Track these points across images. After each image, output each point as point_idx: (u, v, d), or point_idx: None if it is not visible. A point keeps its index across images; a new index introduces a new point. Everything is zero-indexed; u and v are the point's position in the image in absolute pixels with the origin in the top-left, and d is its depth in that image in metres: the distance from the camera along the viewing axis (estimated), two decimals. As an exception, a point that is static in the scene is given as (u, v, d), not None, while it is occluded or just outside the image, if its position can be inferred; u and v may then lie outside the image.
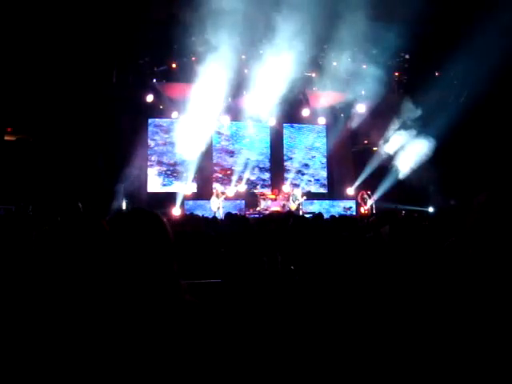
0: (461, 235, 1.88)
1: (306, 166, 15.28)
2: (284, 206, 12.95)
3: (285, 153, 15.17)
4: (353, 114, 14.10)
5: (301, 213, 12.31)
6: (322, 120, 14.52)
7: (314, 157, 15.41)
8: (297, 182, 14.79)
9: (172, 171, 14.16)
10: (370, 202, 13.53)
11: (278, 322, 2.36)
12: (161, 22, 11.44)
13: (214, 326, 1.32)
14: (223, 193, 12.60)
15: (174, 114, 13.29)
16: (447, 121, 11.35)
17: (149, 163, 13.97)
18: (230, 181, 14.34)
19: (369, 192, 13.62)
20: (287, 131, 15.28)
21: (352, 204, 13.94)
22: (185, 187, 13.37)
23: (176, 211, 12.00)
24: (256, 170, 14.76)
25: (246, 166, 14.45)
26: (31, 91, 10.83)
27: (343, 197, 14.50)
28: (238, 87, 12.69)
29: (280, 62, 11.44)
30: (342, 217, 4.80)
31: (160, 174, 14.14)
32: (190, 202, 12.94)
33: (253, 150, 14.69)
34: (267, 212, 11.08)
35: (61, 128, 11.44)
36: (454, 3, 10.94)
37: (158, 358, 1.23)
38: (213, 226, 5.07)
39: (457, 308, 1.45)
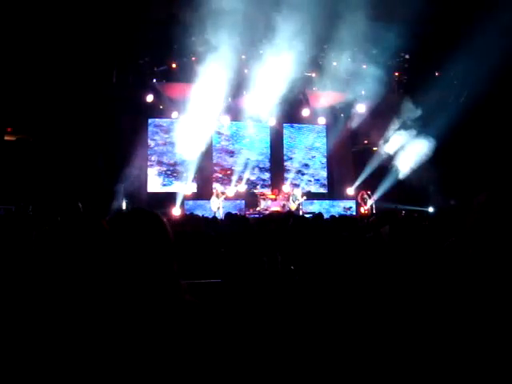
0: (461, 235, 1.88)
1: (306, 166, 15.28)
2: (284, 206, 12.95)
3: (285, 153, 15.16)
4: (353, 114, 14.10)
5: (301, 213, 12.31)
6: (321, 120, 14.52)
7: (313, 157, 15.41)
8: (297, 182, 14.79)
9: (172, 171, 14.16)
10: (370, 202, 13.53)
11: (278, 321, 2.36)
12: (161, 22, 11.43)
13: (214, 326, 1.32)
14: (223, 193, 12.59)
15: (174, 114, 13.29)
16: (447, 121, 11.35)
17: (149, 163, 13.97)
18: (230, 181, 14.34)
19: (369, 192, 13.62)
20: (287, 131, 15.28)
21: (352, 204, 13.94)
22: (185, 187, 13.37)
23: (176, 211, 12.00)
24: (256, 170, 14.75)
25: (246, 166, 14.45)
26: (31, 91, 10.84)
27: (343, 197, 14.49)
28: (238, 87, 12.69)
29: (280, 62, 11.43)
30: (342, 217, 4.80)
31: (160, 174, 14.14)
32: (190, 202, 12.93)
33: (253, 150, 14.69)
34: (267, 212, 11.08)
35: (61, 128, 11.44)
36: (454, 3, 10.94)
37: (159, 358, 1.23)
38: (213, 226, 5.07)
39: (457, 308, 1.45)
